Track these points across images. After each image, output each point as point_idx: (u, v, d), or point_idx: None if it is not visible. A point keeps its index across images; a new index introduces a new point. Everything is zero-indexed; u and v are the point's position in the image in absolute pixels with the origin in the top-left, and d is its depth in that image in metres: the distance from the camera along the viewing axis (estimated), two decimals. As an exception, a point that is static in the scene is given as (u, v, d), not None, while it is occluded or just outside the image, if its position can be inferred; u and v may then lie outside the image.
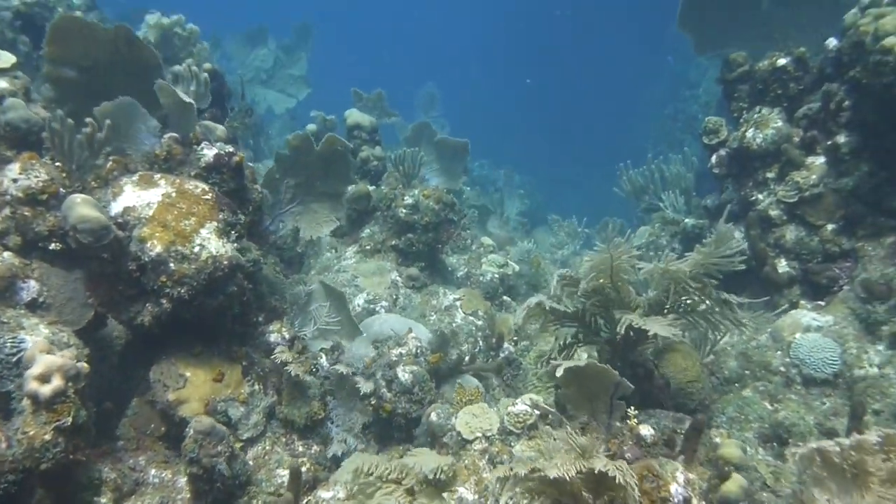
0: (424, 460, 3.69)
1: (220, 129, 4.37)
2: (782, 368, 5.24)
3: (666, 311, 4.09)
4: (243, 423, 4.15)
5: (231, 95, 6.00)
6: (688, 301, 4.09)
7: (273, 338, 4.46)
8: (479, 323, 5.96)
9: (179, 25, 5.62)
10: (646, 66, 26.65)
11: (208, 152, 4.18)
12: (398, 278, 6.27)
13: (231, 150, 4.27)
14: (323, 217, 4.97)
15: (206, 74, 4.36)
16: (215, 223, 3.89)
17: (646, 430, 2.66)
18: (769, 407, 4.90)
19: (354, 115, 7.76)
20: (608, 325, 4.29)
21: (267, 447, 4.21)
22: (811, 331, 5.39)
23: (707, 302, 4.08)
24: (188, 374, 4.10)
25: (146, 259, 3.75)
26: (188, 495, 3.81)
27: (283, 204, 4.98)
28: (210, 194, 3.99)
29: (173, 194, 3.89)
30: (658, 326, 3.25)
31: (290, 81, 13.33)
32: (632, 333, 4.03)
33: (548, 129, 32.03)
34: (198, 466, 3.64)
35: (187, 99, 4.12)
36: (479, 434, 4.13)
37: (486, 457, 4.02)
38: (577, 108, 34.01)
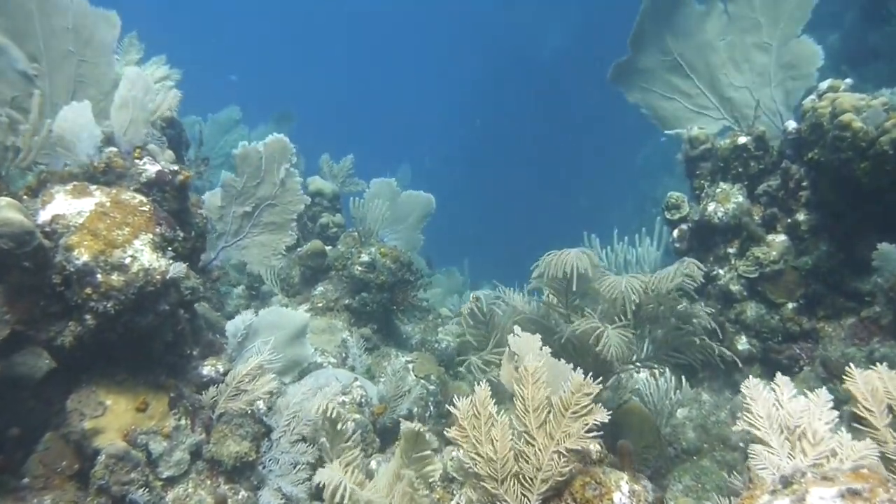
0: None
1: (169, 153, 4.24)
2: (741, 444, 5.05)
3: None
4: (165, 459, 3.82)
5: (189, 146, 5.90)
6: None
7: (206, 371, 4.19)
8: (432, 388, 5.71)
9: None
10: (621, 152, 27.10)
11: (151, 168, 4.02)
12: (349, 338, 6.05)
13: (176, 168, 4.12)
14: (270, 250, 4.77)
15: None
16: (151, 235, 3.70)
17: (593, 446, 2.46)
18: (727, 477, 4.68)
19: (317, 183, 7.72)
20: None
21: (189, 489, 3.87)
22: (771, 408, 5.22)
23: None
24: (109, 401, 3.79)
25: (71, 269, 3.51)
26: (93, 535, 3.46)
27: (228, 236, 4.77)
28: (148, 206, 3.81)
29: (107, 204, 3.70)
30: (616, 337, 3.10)
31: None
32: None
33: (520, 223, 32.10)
34: (107, 496, 3.31)
35: (141, 100, 4.00)
36: (417, 480, 3.85)
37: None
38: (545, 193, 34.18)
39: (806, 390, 5.20)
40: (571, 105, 34.71)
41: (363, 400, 4.67)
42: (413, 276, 6.31)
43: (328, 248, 6.67)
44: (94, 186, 3.85)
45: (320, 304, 6.21)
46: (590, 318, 3.80)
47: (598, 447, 2.78)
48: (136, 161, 4.03)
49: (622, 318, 3.79)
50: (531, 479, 2.53)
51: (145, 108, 4.14)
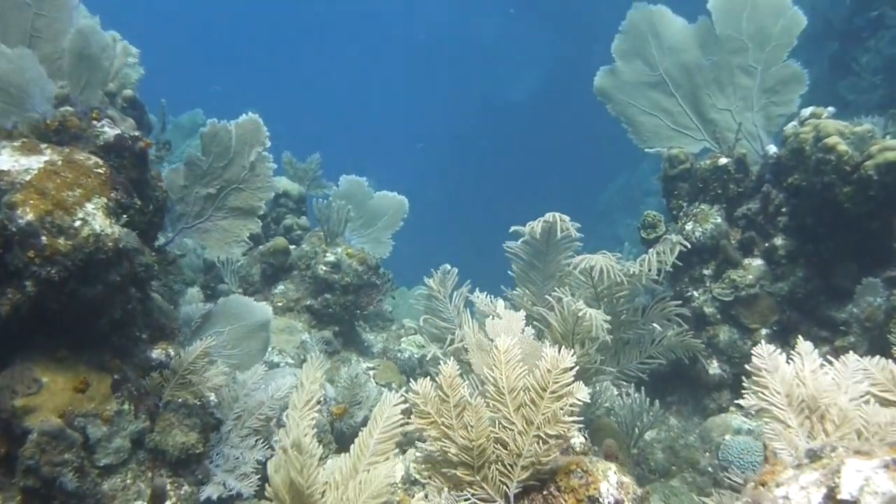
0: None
1: (130, 121, 3.97)
2: (710, 469, 4.88)
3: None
4: (103, 445, 3.48)
5: (151, 130, 5.61)
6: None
7: (156, 354, 3.88)
8: (392, 396, 5.45)
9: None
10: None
11: (110, 131, 3.73)
12: (309, 340, 5.77)
13: (137, 134, 3.85)
14: (232, 237, 4.47)
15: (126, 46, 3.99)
16: (105, 199, 3.41)
17: (576, 439, 2.25)
18: (697, 499, 4.50)
19: (283, 183, 7.45)
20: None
21: (128, 480, 3.53)
22: (741, 433, 5.07)
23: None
24: (45, 379, 3.45)
25: (13, 229, 3.20)
26: (15, 522, 3.11)
27: (189, 218, 4.48)
28: (104, 168, 3.51)
29: (59, 162, 3.41)
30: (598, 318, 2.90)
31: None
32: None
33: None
34: (35, 478, 2.97)
35: (104, 64, 3.74)
36: (378, 482, 3.58)
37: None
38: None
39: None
40: (538, 147, 34.91)
41: (322, 399, 4.39)
42: (380, 279, 6.07)
43: (292, 248, 6.40)
44: (46, 145, 3.56)
45: (280, 304, 5.93)
46: (572, 300, 3.58)
47: (581, 439, 2.57)
48: (94, 122, 3.74)
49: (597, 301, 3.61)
50: (510, 466, 2.31)
51: (102, 69, 3.87)
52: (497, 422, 2.42)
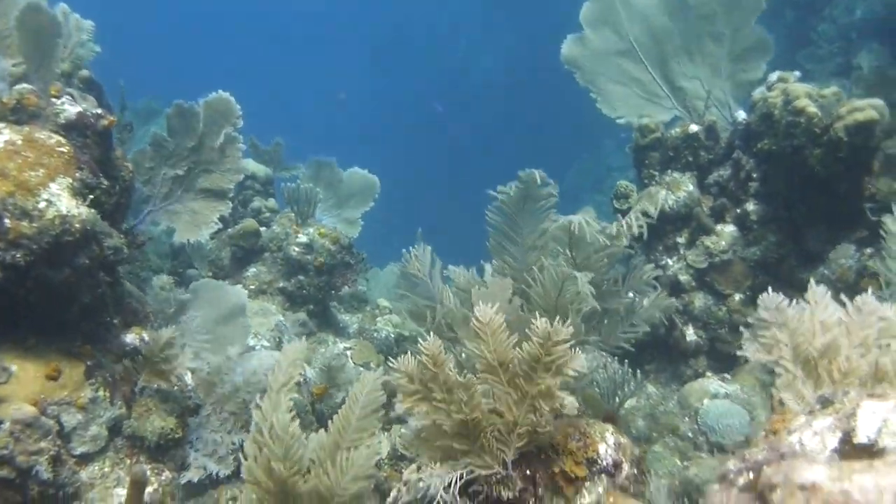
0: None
1: (91, 99, 3.82)
2: (689, 434, 4.91)
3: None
4: (79, 433, 3.38)
5: (111, 113, 5.43)
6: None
7: (130, 339, 3.77)
8: (371, 376, 5.38)
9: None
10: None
11: (70, 108, 3.58)
12: (284, 322, 5.67)
13: (99, 111, 3.71)
14: (202, 218, 4.35)
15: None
16: (70, 180, 3.28)
17: (570, 402, 2.21)
18: (679, 463, 4.53)
19: (249, 165, 7.29)
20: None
21: (106, 468, 3.43)
22: (718, 397, 5.11)
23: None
24: (14, 367, 3.34)
25: (-26, 213, 3.08)
26: (-11, 516, 3.00)
27: (157, 200, 4.34)
28: (67, 147, 3.38)
29: (19, 142, 3.27)
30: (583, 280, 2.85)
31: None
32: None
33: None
34: (10, 468, 2.86)
35: (56, 40, 3.58)
36: (365, 459, 3.53)
37: (372, 484, 3.42)
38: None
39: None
40: (501, 127, 34.80)
41: (302, 379, 4.31)
42: (354, 259, 5.98)
43: (262, 230, 6.27)
44: (3, 124, 3.41)
45: (253, 287, 5.82)
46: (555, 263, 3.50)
47: (576, 402, 2.53)
48: (53, 100, 3.60)
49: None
50: (507, 434, 2.26)
51: (56, 45, 3.71)
52: (491, 393, 2.37)
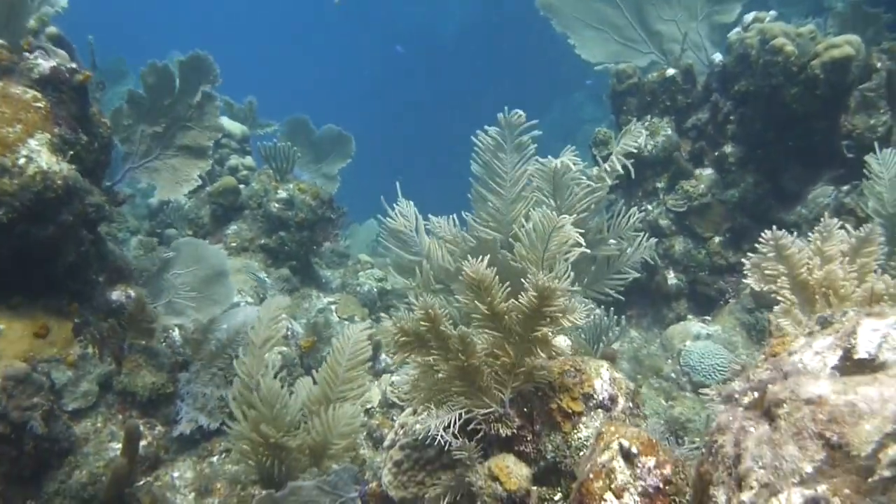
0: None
1: (63, 53, 3.72)
2: (673, 375, 5.00)
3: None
4: (70, 390, 3.37)
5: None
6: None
7: (115, 296, 3.73)
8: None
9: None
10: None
11: (45, 63, 3.49)
12: (266, 279, 5.65)
13: (74, 66, 3.62)
14: (183, 175, 4.30)
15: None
16: (48, 135, 3.21)
17: (563, 342, 2.23)
18: (664, 403, 4.62)
19: (225, 123, 7.19)
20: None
21: (98, 423, 3.43)
22: (700, 338, 5.20)
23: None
24: (2, 326, 3.31)
25: (-47, 171, 3.01)
26: (-15, 474, 2.99)
27: (136, 157, 4.27)
28: (43, 103, 3.31)
29: (-5, 98, 3.20)
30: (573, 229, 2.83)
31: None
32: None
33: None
34: (3, 424, 2.85)
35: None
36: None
37: (365, 431, 3.46)
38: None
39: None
40: (472, 81, 34.54)
41: (289, 333, 4.32)
42: (334, 213, 5.95)
43: (241, 187, 6.20)
44: (-23, 81, 3.32)
45: (234, 244, 5.77)
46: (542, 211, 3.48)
47: (568, 341, 2.56)
48: (26, 54, 3.50)
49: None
50: (504, 375, 2.29)
51: None
52: (487, 340, 2.37)
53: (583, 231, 3.57)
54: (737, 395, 1.46)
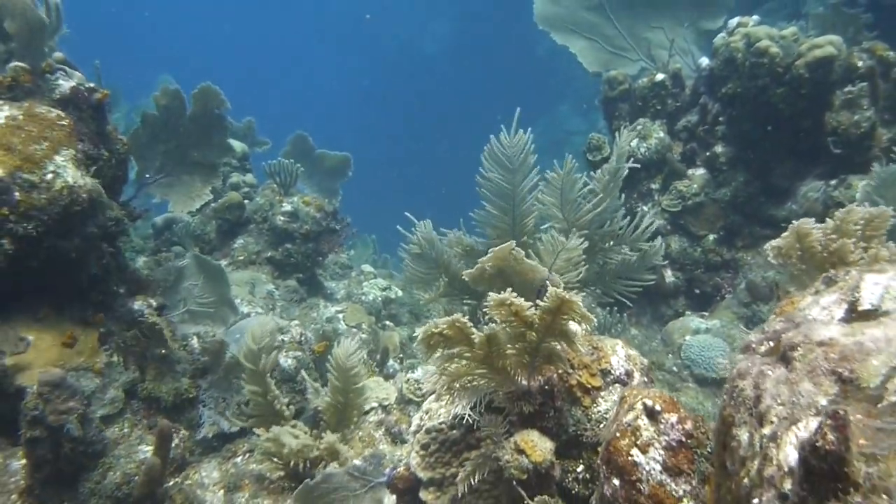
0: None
1: (79, 74, 3.86)
2: (675, 368, 5.14)
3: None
4: (98, 397, 3.49)
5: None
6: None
7: (137, 306, 3.85)
8: (364, 336, 5.52)
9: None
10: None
11: (65, 83, 3.64)
12: (274, 290, 5.77)
13: (93, 85, 3.76)
14: (196, 191, 4.44)
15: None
16: (73, 151, 3.35)
17: (574, 326, 2.36)
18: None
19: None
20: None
21: (125, 429, 3.54)
22: (700, 333, 5.35)
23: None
24: (31, 337, 3.42)
25: (-17, 187, 3.14)
26: (22, 479, 3.10)
27: (150, 174, 4.41)
28: (67, 120, 3.45)
29: (20, 117, 3.32)
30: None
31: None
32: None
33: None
34: (41, 428, 2.95)
35: (42, 15, 3.62)
36: (375, 404, 3.69)
37: (383, 428, 3.58)
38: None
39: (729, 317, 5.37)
40: (456, 97, 34.89)
41: (302, 339, 4.44)
42: (339, 224, 6.08)
43: (245, 203, 6.33)
44: (2, 101, 3.45)
45: (241, 258, 5.89)
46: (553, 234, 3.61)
47: (578, 328, 2.69)
48: (47, 76, 3.64)
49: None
50: (527, 356, 2.41)
51: (45, 23, 3.74)
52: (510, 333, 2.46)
53: (587, 244, 3.68)
54: (754, 345, 1.60)
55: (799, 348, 1.46)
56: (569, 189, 3.66)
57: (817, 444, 1.18)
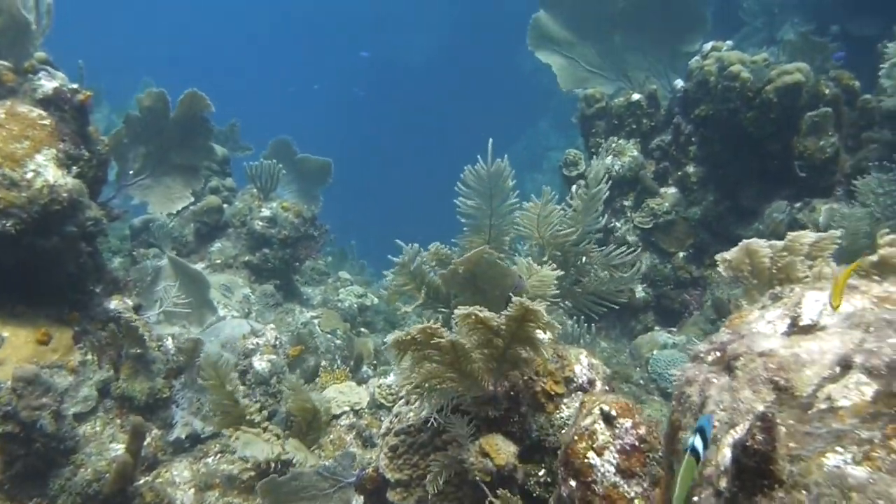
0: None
1: (61, 74, 3.91)
2: (641, 381, 5.26)
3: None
4: (71, 394, 3.53)
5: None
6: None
7: (113, 305, 3.90)
8: (338, 342, 5.58)
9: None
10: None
11: (47, 83, 3.68)
12: (251, 294, 5.82)
13: (76, 86, 3.81)
14: (176, 193, 4.49)
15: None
16: (54, 151, 3.41)
17: (541, 334, 2.46)
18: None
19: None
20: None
21: (98, 427, 3.59)
22: (667, 348, 5.47)
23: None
24: (6, 333, 3.46)
25: (-35, 184, 3.19)
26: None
27: (130, 175, 4.46)
28: (49, 120, 3.50)
29: (2, 116, 3.37)
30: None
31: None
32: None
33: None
34: (14, 423, 3.00)
35: (26, 14, 3.67)
36: (347, 408, 3.76)
37: (354, 431, 3.65)
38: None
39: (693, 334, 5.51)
40: (440, 111, 35.05)
41: (277, 342, 4.50)
42: (317, 231, 6.15)
43: (224, 206, 6.38)
44: (-14, 100, 3.50)
45: (218, 261, 5.93)
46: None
47: (547, 335, 2.78)
48: (30, 76, 3.69)
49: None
50: (493, 362, 2.50)
51: (30, 21, 3.80)
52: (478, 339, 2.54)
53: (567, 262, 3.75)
54: (702, 354, 1.71)
55: (741, 358, 1.57)
56: (545, 218, 3.73)
57: (747, 443, 1.29)
